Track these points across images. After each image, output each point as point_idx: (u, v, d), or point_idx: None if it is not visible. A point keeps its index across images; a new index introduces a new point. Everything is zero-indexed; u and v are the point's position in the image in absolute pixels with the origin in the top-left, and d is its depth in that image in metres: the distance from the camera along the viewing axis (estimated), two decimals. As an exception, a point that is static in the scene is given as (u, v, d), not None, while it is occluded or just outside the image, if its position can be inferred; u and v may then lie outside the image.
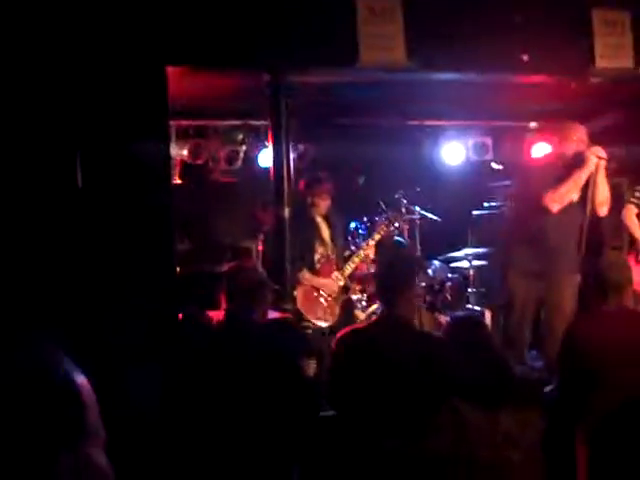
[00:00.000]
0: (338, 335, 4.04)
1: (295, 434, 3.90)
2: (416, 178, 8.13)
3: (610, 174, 5.94)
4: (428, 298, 7.41)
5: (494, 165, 8.59)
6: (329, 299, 6.37)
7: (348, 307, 6.64)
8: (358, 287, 7.10)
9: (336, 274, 6.48)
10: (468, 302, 7.64)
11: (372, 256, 6.68)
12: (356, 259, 6.60)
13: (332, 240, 6.57)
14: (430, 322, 6.78)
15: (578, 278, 5.69)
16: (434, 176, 8.69)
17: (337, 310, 6.41)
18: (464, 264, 7.78)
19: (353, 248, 7.28)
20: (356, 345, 3.93)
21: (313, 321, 6.12)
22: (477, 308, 7.33)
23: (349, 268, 6.56)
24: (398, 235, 7.44)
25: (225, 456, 3.72)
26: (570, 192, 5.72)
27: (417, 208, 7.63)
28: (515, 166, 7.71)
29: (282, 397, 3.83)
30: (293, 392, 3.90)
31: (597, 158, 5.64)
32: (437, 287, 7.58)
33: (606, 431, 1.76)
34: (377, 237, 6.71)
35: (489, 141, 9.08)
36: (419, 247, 7.51)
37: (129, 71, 4.64)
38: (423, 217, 7.67)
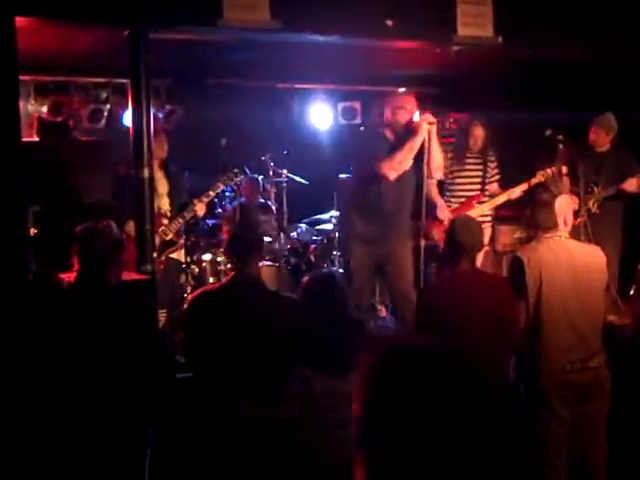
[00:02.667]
0: (191, 296, 4.02)
1: (150, 395, 3.86)
2: (284, 141, 8.11)
3: None
4: (292, 260, 7.45)
5: (362, 129, 8.65)
6: None
7: (170, 265, 6.50)
8: (221, 250, 7.03)
9: (163, 228, 6.32)
10: (332, 264, 7.71)
11: (201, 214, 6.53)
12: (186, 215, 6.40)
13: (169, 194, 6.40)
14: (293, 284, 6.79)
15: (412, 242, 5.83)
16: (303, 139, 8.70)
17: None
18: (329, 227, 7.83)
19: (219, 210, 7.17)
20: (209, 305, 3.92)
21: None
22: (341, 270, 7.39)
23: (177, 223, 6.40)
24: (263, 198, 7.42)
25: (79, 418, 3.63)
26: (406, 160, 5.76)
27: (284, 171, 7.61)
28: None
29: (136, 358, 3.77)
30: (147, 353, 3.84)
31: (428, 124, 5.71)
32: (301, 249, 7.61)
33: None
34: (211, 194, 6.54)
35: (358, 105, 9.16)
36: (286, 209, 7.50)
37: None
38: (290, 180, 7.66)
